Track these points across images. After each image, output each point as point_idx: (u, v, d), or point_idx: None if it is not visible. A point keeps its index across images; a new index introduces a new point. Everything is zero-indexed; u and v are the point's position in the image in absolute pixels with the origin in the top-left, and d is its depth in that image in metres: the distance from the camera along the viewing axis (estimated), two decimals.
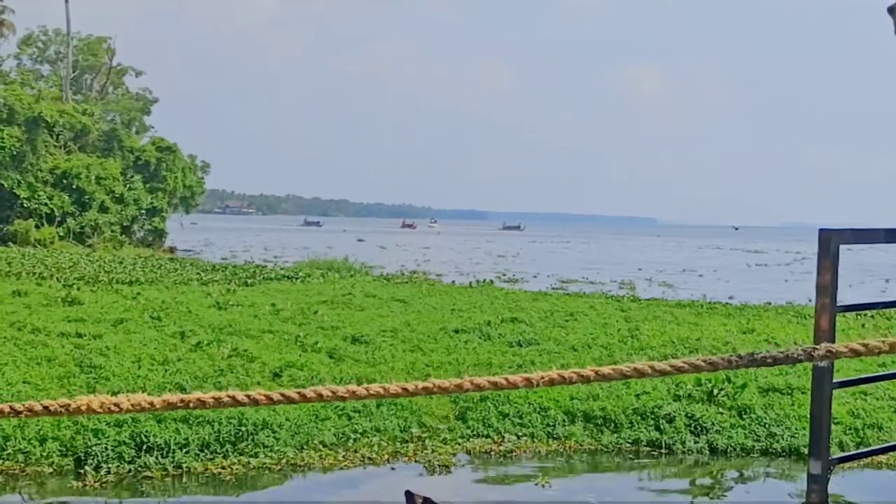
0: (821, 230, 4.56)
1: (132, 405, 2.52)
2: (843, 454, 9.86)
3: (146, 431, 12.93)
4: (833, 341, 4.53)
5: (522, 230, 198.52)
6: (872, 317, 26.03)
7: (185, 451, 12.88)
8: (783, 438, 14.62)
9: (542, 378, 2.53)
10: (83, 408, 2.54)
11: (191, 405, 2.52)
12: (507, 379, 2.54)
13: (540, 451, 14.29)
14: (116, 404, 2.54)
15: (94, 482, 12.21)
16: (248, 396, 2.51)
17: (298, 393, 2.51)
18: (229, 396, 2.48)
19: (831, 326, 4.49)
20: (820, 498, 5.10)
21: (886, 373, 13.43)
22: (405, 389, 2.52)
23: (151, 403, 2.54)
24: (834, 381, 5.41)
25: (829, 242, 4.50)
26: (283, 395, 2.51)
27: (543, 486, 12.76)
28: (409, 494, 8.98)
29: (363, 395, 2.52)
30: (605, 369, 2.61)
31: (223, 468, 12.79)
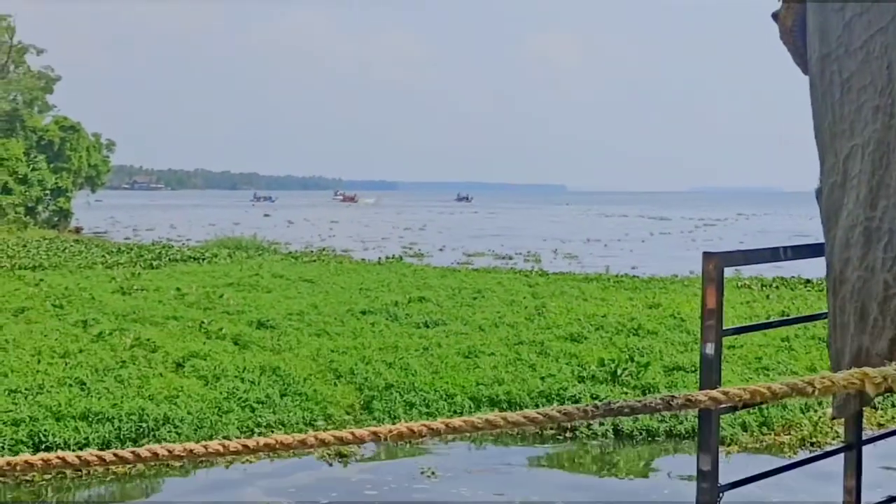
0: (705, 253, 4.35)
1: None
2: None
3: (45, 430, 12.73)
4: (720, 365, 4.52)
5: (471, 201, 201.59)
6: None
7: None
8: (688, 420, 14.19)
9: (391, 431, 2.57)
10: None
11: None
12: (352, 433, 2.57)
13: (448, 438, 14.15)
14: None
15: None
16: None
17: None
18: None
19: (717, 351, 4.44)
20: (710, 497, 4.77)
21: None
22: (246, 447, 2.54)
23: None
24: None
25: (714, 266, 4.36)
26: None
27: (429, 476, 12.46)
28: None
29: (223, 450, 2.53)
30: (456, 421, 2.64)
31: (124, 466, 12.59)
